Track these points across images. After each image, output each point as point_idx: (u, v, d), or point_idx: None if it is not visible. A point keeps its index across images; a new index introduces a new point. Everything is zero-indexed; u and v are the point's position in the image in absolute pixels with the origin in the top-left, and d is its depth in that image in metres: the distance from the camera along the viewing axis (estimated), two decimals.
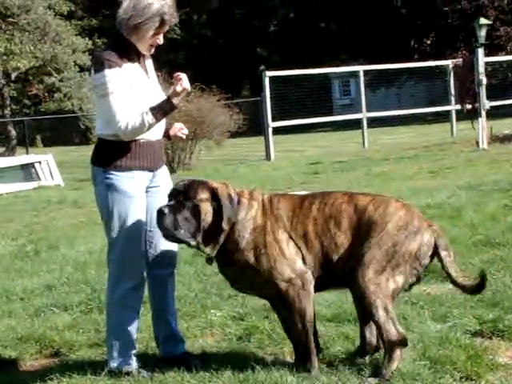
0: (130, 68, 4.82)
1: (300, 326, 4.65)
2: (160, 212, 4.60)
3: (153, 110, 4.78)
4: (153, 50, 4.95)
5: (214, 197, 4.64)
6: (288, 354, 5.10)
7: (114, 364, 4.93)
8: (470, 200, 10.48)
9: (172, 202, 4.65)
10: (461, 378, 4.43)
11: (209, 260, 4.79)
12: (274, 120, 24.54)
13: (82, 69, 46.63)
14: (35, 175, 22.04)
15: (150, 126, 4.79)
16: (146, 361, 5.14)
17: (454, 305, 5.74)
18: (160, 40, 4.90)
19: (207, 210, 4.63)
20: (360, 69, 27.36)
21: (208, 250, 4.70)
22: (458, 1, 43.01)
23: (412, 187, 12.80)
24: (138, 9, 4.75)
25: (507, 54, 38.90)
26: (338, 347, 5.10)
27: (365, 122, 26.05)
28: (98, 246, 9.59)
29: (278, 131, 24.97)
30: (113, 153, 4.82)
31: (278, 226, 4.64)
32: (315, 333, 4.79)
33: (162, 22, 4.81)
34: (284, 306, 4.70)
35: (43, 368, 5.34)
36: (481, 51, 21.07)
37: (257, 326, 5.63)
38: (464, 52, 32.50)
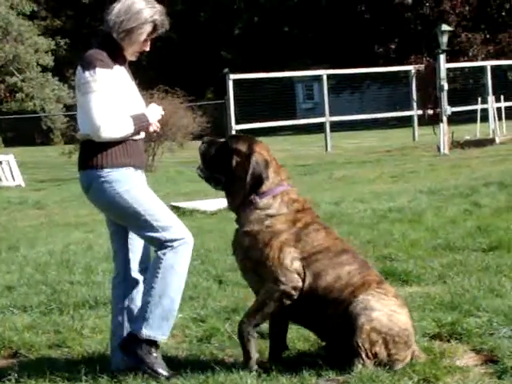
0: (118, 71, 4.82)
1: (252, 309, 4.74)
2: (203, 140, 4.92)
3: (134, 119, 4.80)
4: (137, 57, 4.94)
5: (249, 155, 4.73)
6: None
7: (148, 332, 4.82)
8: (430, 204, 10.58)
9: (218, 139, 4.91)
10: (419, 380, 4.46)
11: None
12: (237, 123, 24.56)
13: (44, 69, 46.38)
14: None
15: (127, 134, 4.78)
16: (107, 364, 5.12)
17: (414, 307, 5.78)
18: (147, 47, 4.91)
19: (237, 161, 4.74)
20: (323, 73, 27.48)
21: (228, 200, 4.87)
22: (420, 6, 43.37)
23: (374, 191, 12.89)
24: (130, 13, 4.75)
25: (468, 59, 39.31)
26: (298, 349, 5.12)
27: (328, 126, 26.16)
28: (59, 246, 9.54)
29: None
30: (103, 152, 4.76)
31: (292, 244, 4.65)
32: (284, 330, 4.90)
33: (154, 29, 4.83)
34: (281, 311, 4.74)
35: (1, 369, 5.27)
36: (442, 57, 21.27)
37: (217, 327, 5.64)
38: (428, 58, 32.78)
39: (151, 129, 5.00)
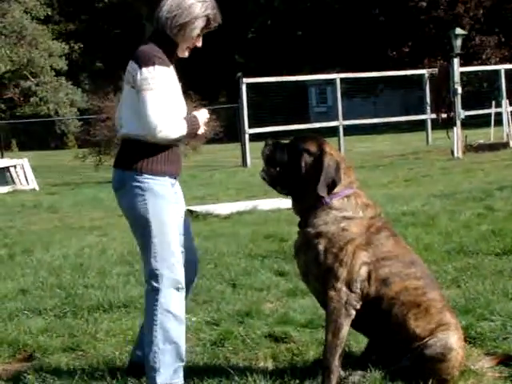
0: (172, 70, 4.72)
1: (330, 340, 4.48)
2: (266, 142, 4.73)
3: (187, 121, 4.68)
4: (188, 53, 4.82)
5: (320, 156, 4.55)
6: (262, 359, 5.11)
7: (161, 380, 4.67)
8: (444, 208, 10.56)
9: (281, 141, 4.72)
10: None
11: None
12: (250, 127, 24.57)
13: (58, 73, 46.53)
14: (10, 179, 21.93)
15: (181, 136, 4.65)
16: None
17: None
18: (200, 42, 4.80)
19: (306, 162, 4.56)
20: (337, 77, 27.46)
21: (296, 208, 4.68)
22: (435, 9, 43.30)
23: (387, 195, 12.87)
24: (182, 8, 4.63)
25: (482, 63, 39.21)
26: (312, 352, 5.12)
27: (341, 130, 26.13)
28: (73, 250, 9.57)
29: (254, 138, 25.01)
30: (147, 156, 4.62)
31: (364, 248, 4.50)
32: None
33: (207, 23, 4.72)
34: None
35: (16, 372, 5.30)
36: (456, 61, 21.24)
37: (231, 331, 5.64)
38: (441, 61, 32.72)
39: (199, 131, 4.86)
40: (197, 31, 4.70)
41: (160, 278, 4.60)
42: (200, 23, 4.69)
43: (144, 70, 4.55)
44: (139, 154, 4.62)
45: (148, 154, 4.61)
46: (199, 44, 4.80)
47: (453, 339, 4.48)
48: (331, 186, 4.53)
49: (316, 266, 4.52)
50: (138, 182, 4.61)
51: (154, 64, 4.55)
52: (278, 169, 4.64)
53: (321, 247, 4.50)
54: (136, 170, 4.61)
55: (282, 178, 4.63)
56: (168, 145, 4.66)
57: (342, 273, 4.46)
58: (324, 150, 4.57)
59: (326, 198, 4.53)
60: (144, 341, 4.74)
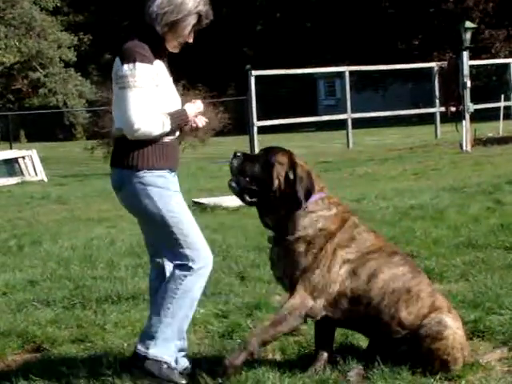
0: (159, 66, 4.64)
1: (267, 326, 4.58)
2: (234, 154, 4.71)
3: (171, 117, 4.63)
4: (179, 49, 4.76)
5: (292, 167, 4.64)
6: (270, 351, 5.11)
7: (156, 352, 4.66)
8: (452, 202, 10.54)
9: (250, 154, 4.77)
10: (441, 377, 4.46)
11: (270, 239, 4.78)
12: (259, 119, 24.55)
13: (67, 64, 46.58)
14: (18, 170, 22.00)
15: (162, 133, 4.60)
16: None
17: None
18: (191, 39, 4.74)
19: (279, 173, 4.64)
20: (346, 69, 27.42)
21: (267, 219, 4.73)
22: (444, 2, 43.17)
23: (396, 188, 12.85)
24: (174, 4, 4.58)
25: (491, 56, 39.08)
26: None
27: (350, 123, 26.10)
28: (82, 241, 9.59)
29: (262, 130, 25.01)
30: (142, 152, 4.58)
31: (346, 244, 4.59)
32: (331, 336, 4.79)
33: (199, 20, 4.67)
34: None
35: (25, 363, 5.32)
36: (466, 54, 21.16)
37: (239, 323, 5.66)
38: (451, 54, 32.62)
39: (200, 124, 4.82)
40: (188, 29, 4.66)
41: (189, 262, 4.60)
42: (191, 20, 4.65)
43: (125, 66, 4.53)
44: (133, 151, 4.60)
45: (143, 149, 4.59)
46: (190, 40, 4.74)
47: (447, 318, 4.54)
48: (307, 194, 4.62)
49: (293, 268, 4.59)
50: (138, 177, 4.59)
51: (134, 61, 4.51)
52: (247, 179, 4.68)
53: (301, 249, 4.59)
54: (132, 168, 4.59)
55: (251, 188, 4.67)
56: (162, 139, 4.63)
57: (318, 276, 4.53)
58: (295, 162, 4.67)
59: (303, 204, 4.60)
60: (151, 309, 4.74)
